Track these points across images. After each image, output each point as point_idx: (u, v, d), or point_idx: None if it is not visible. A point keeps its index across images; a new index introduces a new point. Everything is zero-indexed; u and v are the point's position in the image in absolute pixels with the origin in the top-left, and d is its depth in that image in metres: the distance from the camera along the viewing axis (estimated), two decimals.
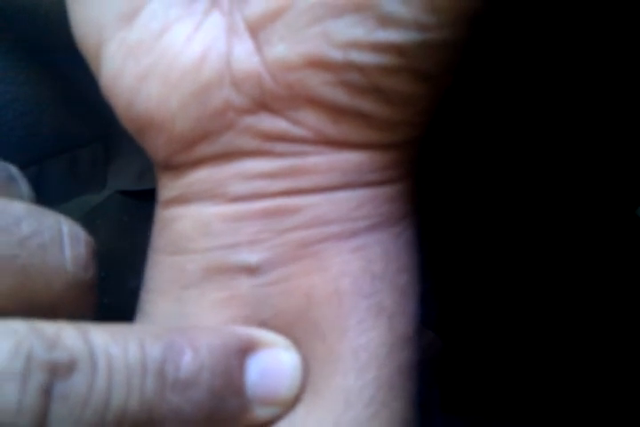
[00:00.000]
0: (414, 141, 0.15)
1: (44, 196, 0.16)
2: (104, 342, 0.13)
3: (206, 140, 0.15)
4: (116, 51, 0.15)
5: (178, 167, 0.16)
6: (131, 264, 0.23)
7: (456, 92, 0.16)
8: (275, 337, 0.15)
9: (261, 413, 0.14)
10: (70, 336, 0.12)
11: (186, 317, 0.16)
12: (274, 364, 0.15)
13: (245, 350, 0.14)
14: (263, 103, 0.14)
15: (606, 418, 0.27)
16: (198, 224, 0.16)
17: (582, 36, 0.22)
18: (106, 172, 0.26)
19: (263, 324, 0.15)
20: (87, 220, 0.16)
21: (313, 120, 0.14)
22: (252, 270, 0.15)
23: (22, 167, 0.24)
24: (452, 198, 0.25)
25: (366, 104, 0.14)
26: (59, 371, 0.12)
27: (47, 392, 0.12)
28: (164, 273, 0.16)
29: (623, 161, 0.26)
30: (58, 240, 0.14)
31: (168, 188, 0.16)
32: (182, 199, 0.16)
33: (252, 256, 0.15)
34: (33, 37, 0.23)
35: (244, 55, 0.14)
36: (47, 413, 0.12)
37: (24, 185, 0.16)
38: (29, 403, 0.11)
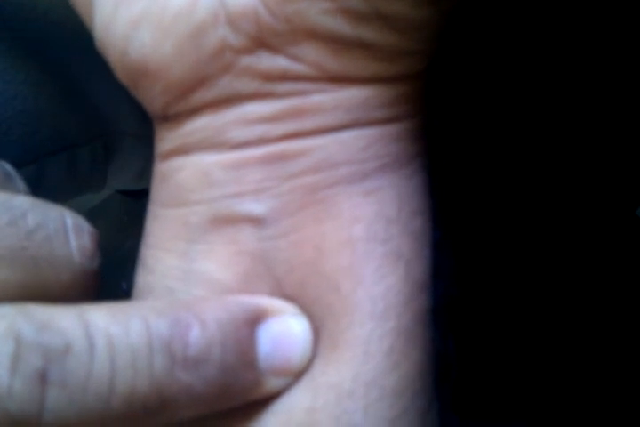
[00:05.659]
0: (420, 74, 0.15)
1: (44, 196, 0.15)
2: (103, 322, 0.12)
3: (204, 86, 0.14)
4: None
5: (175, 117, 0.15)
6: (131, 264, 0.23)
7: (459, 31, 0.14)
8: (282, 304, 0.14)
9: (274, 383, 0.14)
10: (65, 318, 0.12)
11: (194, 274, 0.15)
12: (284, 332, 0.14)
13: (254, 320, 0.14)
14: (261, 41, 0.14)
15: (609, 418, 0.27)
16: (199, 174, 0.15)
17: (584, 34, 0.22)
18: (106, 171, 0.26)
19: (274, 280, 0.15)
20: (87, 220, 0.16)
21: (314, 55, 0.13)
22: (258, 221, 0.15)
23: (21, 166, 0.24)
24: (461, 142, 0.24)
25: (369, 32, 0.13)
26: (52, 354, 0.11)
27: (42, 378, 0.11)
28: (167, 227, 0.15)
29: (623, 161, 0.26)
30: (63, 232, 0.14)
31: (166, 139, 0.15)
32: (181, 150, 0.15)
33: (257, 206, 0.14)
34: (32, 36, 0.23)
35: None
36: (43, 399, 0.11)
37: (20, 181, 0.15)
38: (21, 388, 0.11)
